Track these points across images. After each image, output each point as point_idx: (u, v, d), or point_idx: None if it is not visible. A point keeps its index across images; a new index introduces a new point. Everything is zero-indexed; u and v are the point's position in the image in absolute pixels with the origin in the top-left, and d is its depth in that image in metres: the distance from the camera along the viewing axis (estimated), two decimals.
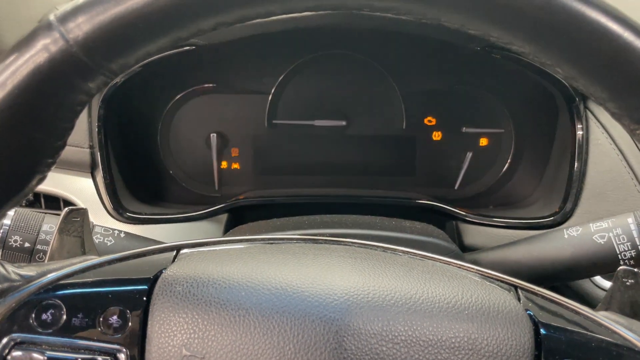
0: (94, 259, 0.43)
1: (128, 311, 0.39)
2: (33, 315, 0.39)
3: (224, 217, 0.92)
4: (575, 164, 0.84)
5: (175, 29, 0.34)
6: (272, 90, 1.00)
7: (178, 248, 0.46)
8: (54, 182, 0.86)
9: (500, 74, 0.97)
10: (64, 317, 0.39)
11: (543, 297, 0.43)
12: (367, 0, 0.35)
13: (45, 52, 0.33)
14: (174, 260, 0.44)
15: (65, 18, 0.33)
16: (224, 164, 1.04)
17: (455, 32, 0.79)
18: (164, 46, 0.35)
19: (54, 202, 0.89)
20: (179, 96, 1.01)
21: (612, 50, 0.32)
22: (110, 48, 0.34)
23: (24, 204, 0.85)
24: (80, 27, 0.33)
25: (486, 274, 0.45)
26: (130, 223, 0.88)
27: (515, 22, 0.33)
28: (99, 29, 0.33)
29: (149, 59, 0.82)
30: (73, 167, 0.88)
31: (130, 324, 0.39)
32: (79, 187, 0.88)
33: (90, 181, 0.88)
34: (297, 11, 0.35)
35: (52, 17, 0.33)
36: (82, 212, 0.53)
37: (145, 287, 0.40)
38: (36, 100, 0.34)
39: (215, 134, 1.01)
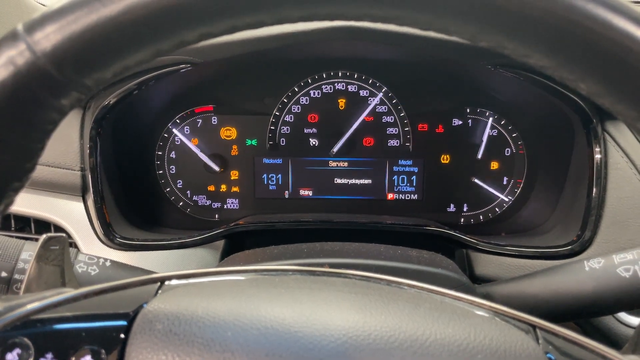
0: (70, 292, 0.40)
1: (103, 351, 0.36)
2: None
3: (221, 243, 0.88)
4: (594, 189, 0.81)
5: (154, 40, 0.31)
6: (274, 112, 0.98)
7: (162, 280, 0.42)
8: (45, 207, 0.83)
9: (511, 94, 0.94)
10: (32, 357, 0.36)
11: (565, 338, 0.39)
12: (367, 9, 0.31)
13: (10, 65, 0.30)
14: (156, 294, 0.40)
15: (32, 28, 0.30)
16: (223, 187, 1.01)
17: (464, 50, 0.77)
18: (143, 59, 0.32)
19: (45, 228, 0.85)
20: (176, 117, 0.99)
21: None
22: (83, 61, 0.31)
23: (12, 229, 0.81)
24: (49, 38, 0.30)
25: (501, 311, 0.42)
26: (121, 249, 0.84)
27: (535, 32, 0.29)
28: (70, 40, 0.30)
29: (144, 77, 0.79)
30: (64, 190, 0.85)
31: None
32: (69, 212, 0.84)
33: (81, 205, 0.85)
34: (291, 21, 0.32)
35: (19, 27, 0.30)
36: (62, 240, 0.50)
37: (124, 323, 0.37)
38: (1, 118, 0.31)
39: (214, 156, 0.99)
